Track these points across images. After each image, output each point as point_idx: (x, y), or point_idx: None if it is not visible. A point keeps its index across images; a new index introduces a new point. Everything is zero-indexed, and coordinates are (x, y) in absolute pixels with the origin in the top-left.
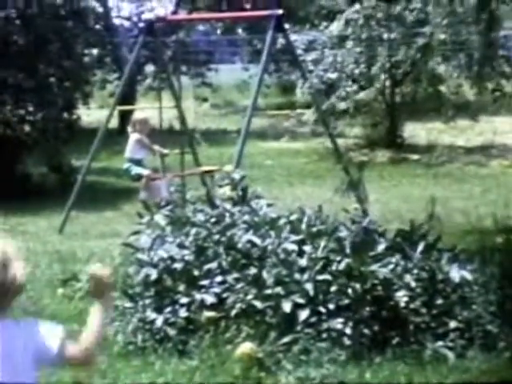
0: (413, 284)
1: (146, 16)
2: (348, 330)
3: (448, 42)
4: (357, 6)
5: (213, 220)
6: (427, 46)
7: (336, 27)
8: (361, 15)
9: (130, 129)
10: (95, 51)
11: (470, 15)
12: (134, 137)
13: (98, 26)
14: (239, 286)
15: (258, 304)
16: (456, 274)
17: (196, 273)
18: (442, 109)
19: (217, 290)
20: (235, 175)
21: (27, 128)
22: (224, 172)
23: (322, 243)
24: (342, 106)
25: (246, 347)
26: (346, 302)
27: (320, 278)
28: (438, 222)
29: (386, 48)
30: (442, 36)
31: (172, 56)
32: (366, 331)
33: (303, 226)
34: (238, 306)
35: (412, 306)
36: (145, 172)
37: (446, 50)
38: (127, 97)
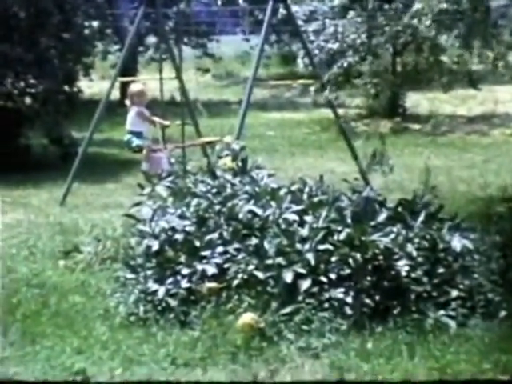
0: (414, 253)
1: None
2: (349, 300)
3: (449, 12)
4: None
5: (214, 191)
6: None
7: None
8: None
9: (127, 102)
10: (96, 23)
11: None
12: (134, 109)
13: None
14: (240, 256)
15: (260, 274)
16: (457, 242)
17: (197, 243)
18: (442, 78)
19: (218, 260)
20: (235, 146)
21: (28, 100)
22: (224, 143)
23: (323, 213)
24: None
25: (247, 317)
26: (348, 271)
27: (321, 247)
28: (433, 191)
29: (387, 18)
30: (444, 5)
31: (173, 27)
32: (367, 301)
33: (304, 196)
34: (240, 276)
35: (413, 275)
36: (145, 143)
37: (447, 20)
38: (129, 68)
